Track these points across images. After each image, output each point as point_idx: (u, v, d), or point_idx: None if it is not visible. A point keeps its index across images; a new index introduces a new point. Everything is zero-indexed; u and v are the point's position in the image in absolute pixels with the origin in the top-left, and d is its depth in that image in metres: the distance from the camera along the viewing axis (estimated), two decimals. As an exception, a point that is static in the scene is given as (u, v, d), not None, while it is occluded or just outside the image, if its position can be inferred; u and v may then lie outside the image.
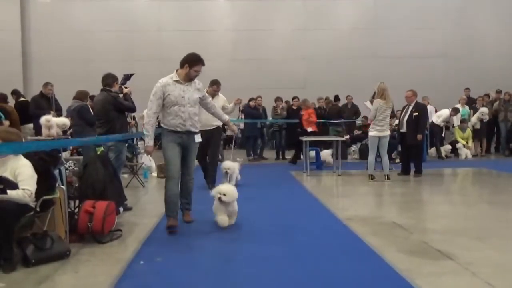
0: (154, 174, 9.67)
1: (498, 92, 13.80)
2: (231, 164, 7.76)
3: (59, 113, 9.80)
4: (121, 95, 6.31)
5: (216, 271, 3.77)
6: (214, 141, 7.67)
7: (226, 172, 7.60)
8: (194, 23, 16.66)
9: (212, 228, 5.08)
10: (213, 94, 7.49)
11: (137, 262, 3.98)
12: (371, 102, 8.93)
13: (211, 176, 7.69)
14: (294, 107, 12.91)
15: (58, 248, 4.02)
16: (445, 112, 12.80)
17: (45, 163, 4.27)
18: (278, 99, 13.28)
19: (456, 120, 13.04)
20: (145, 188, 8.29)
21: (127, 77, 6.50)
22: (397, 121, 10.13)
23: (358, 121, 13.66)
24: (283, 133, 13.21)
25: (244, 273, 3.67)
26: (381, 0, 17.57)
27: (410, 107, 9.13)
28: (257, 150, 13.01)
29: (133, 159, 9.23)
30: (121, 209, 5.74)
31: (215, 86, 7.71)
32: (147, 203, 7.07)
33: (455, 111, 12.85)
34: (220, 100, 7.74)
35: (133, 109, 6.53)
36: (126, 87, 6.35)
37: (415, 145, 9.06)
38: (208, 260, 4.10)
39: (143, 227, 5.22)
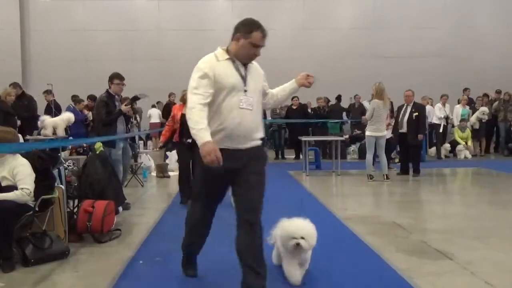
0: (153, 173, 9.69)
1: (498, 92, 13.80)
2: None
3: (56, 114, 9.76)
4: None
5: (215, 271, 3.76)
6: None
7: None
8: (193, 23, 16.63)
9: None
10: None
11: (136, 262, 3.98)
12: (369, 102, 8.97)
13: None
14: (294, 107, 12.92)
15: (57, 247, 4.02)
16: (437, 106, 12.90)
17: (44, 162, 4.27)
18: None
19: (456, 120, 13.03)
20: (144, 187, 8.30)
21: (135, 98, 6.48)
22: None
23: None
24: (282, 133, 13.24)
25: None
26: (381, 0, 17.55)
27: (409, 108, 9.13)
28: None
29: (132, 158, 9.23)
30: (120, 208, 5.74)
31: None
32: (146, 202, 7.08)
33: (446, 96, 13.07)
34: None
35: (107, 123, 6.03)
36: (126, 105, 6.22)
37: (415, 145, 9.09)
38: (207, 260, 4.09)
39: (142, 227, 5.22)
